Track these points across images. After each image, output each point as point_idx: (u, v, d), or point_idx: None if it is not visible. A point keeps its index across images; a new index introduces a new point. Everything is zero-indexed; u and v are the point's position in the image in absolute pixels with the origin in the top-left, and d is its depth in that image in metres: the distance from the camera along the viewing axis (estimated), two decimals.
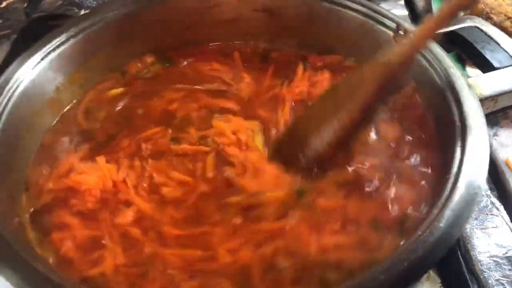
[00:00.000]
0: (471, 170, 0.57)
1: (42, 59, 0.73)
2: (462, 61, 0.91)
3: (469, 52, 0.77)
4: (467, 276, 0.69)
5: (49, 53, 0.74)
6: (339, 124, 0.63)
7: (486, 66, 0.74)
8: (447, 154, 0.60)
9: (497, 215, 0.74)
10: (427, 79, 0.69)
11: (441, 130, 0.67)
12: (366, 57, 0.65)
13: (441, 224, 0.52)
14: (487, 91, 0.69)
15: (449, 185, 0.56)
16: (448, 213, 0.53)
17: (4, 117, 0.66)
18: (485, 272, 0.70)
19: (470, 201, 0.54)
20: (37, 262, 0.52)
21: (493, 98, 0.69)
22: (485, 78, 0.71)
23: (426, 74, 0.69)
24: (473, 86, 0.67)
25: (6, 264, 0.50)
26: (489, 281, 0.69)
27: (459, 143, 0.60)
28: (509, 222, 0.74)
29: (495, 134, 0.85)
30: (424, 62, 0.70)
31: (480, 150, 0.59)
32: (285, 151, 0.67)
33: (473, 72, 0.84)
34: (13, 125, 0.67)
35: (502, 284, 0.68)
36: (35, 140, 0.71)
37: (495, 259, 0.70)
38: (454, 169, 0.57)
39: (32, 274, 0.50)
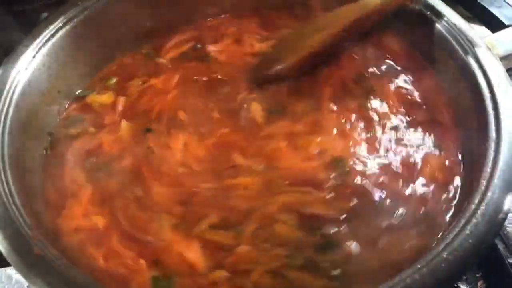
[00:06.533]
0: None
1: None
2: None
3: (474, 10, 0.76)
4: None
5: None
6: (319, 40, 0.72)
7: (494, 24, 0.73)
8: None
9: None
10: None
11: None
12: None
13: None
14: (502, 51, 0.69)
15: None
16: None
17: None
18: (508, 226, 0.73)
19: None
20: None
21: (507, 57, 0.70)
22: (498, 37, 0.71)
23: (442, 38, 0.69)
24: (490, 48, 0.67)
25: None
26: None
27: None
28: None
29: None
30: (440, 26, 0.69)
31: None
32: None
33: (479, 30, 0.84)
34: None
35: None
36: None
37: None
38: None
39: None
